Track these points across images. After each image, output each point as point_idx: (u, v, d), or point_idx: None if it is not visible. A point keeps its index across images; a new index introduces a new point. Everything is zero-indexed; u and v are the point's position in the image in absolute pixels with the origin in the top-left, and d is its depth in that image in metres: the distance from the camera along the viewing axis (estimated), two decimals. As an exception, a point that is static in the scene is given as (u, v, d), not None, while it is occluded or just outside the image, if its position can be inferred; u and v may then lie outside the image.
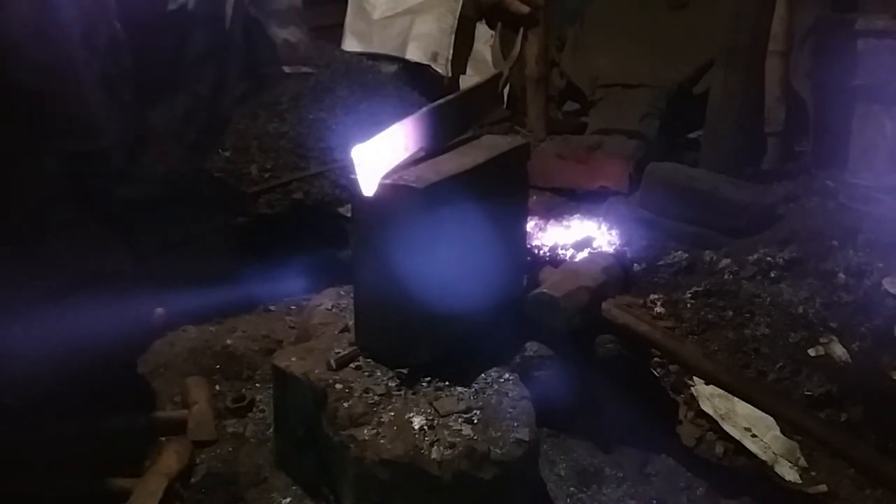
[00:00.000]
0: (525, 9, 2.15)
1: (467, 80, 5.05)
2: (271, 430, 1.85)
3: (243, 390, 2.01)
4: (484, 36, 5.36)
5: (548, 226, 3.07)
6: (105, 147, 1.98)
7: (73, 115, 1.83)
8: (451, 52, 4.95)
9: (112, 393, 1.90)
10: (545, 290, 1.81)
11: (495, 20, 2.28)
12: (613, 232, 3.03)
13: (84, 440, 1.76)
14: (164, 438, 1.81)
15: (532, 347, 1.79)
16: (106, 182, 2.12)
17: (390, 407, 1.53)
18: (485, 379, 1.64)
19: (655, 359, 2.15)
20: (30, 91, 1.72)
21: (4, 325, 1.70)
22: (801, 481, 1.92)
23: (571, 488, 1.74)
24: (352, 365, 1.64)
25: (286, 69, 2.47)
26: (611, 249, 2.88)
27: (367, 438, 1.47)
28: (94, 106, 1.86)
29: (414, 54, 4.79)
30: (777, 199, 3.26)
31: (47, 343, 1.75)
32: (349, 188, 1.59)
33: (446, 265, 1.60)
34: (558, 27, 4.87)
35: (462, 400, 1.55)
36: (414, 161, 1.66)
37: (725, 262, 2.79)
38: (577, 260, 2.16)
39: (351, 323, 1.76)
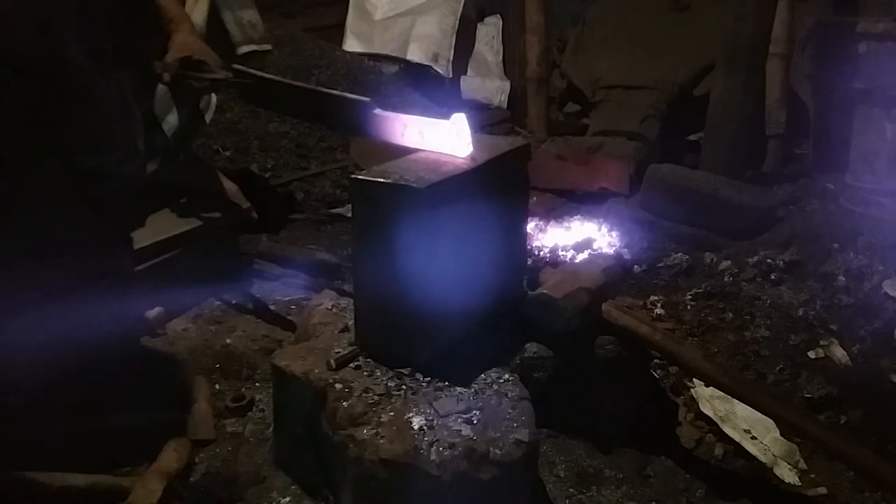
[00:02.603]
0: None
1: (468, 81, 5.08)
2: (271, 429, 1.86)
3: (243, 389, 2.02)
4: (485, 37, 5.38)
5: (548, 227, 3.07)
6: (123, 166, 2.00)
7: (96, 135, 1.86)
8: (452, 52, 4.95)
9: (112, 392, 1.89)
10: (545, 291, 1.80)
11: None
12: (614, 233, 3.03)
13: (84, 439, 1.76)
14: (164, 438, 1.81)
15: (532, 348, 1.78)
16: (105, 179, 2.12)
17: (390, 407, 1.52)
18: (484, 379, 1.63)
19: (655, 360, 2.15)
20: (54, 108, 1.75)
21: (5, 325, 1.70)
22: (800, 483, 1.92)
23: (571, 489, 1.73)
24: (351, 365, 1.64)
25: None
26: (611, 251, 2.88)
27: (366, 438, 1.47)
28: (113, 125, 1.89)
29: (415, 55, 4.80)
30: (777, 201, 3.26)
31: (47, 342, 1.75)
32: (350, 188, 1.59)
33: (446, 265, 1.60)
34: (559, 29, 4.87)
35: (462, 400, 1.55)
36: (413, 159, 1.66)
37: (725, 264, 2.79)
38: (577, 261, 2.16)
39: (351, 323, 1.76)
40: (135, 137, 2.00)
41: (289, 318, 2.32)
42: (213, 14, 2.67)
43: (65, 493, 1.63)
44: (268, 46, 2.84)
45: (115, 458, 1.73)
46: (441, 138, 1.66)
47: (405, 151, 1.72)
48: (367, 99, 1.76)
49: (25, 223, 1.86)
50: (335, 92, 1.91)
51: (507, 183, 1.81)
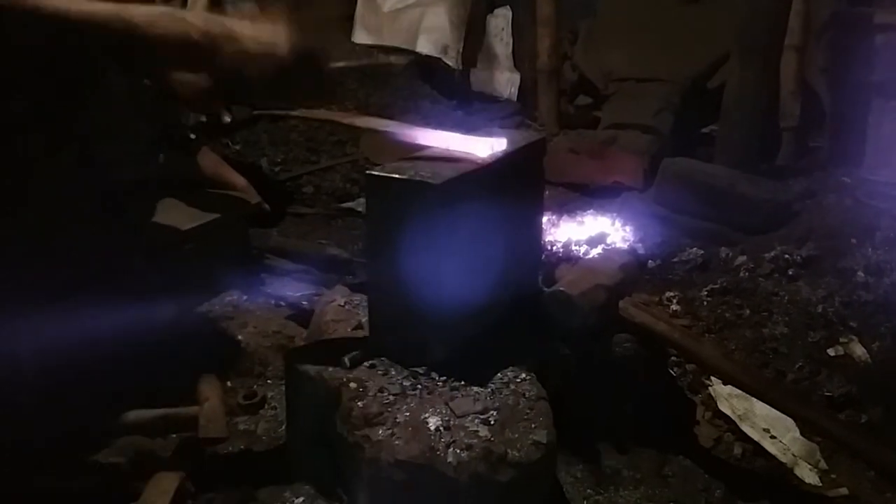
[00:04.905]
0: None
1: (478, 73, 5.05)
2: (283, 427, 1.83)
3: (255, 387, 2.00)
4: (495, 29, 5.34)
5: (561, 221, 3.03)
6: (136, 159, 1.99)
7: (112, 127, 1.84)
8: (462, 44, 4.92)
9: (123, 390, 1.88)
10: (561, 288, 1.78)
11: None
12: (628, 228, 2.99)
13: (94, 438, 1.74)
14: (175, 435, 1.79)
15: (548, 346, 1.75)
16: (117, 173, 2.10)
17: (405, 407, 1.50)
18: (501, 378, 1.60)
19: (672, 358, 2.12)
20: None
21: (14, 323, 1.68)
22: (820, 484, 1.89)
23: (588, 490, 1.71)
24: (366, 363, 1.61)
25: None
26: (625, 246, 2.85)
27: (381, 439, 1.44)
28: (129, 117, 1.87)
29: (424, 47, 4.76)
30: (793, 195, 3.22)
31: (57, 341, 1.73)
32: (365, 184, 1.56)
33: (462, 262, 1.57)
34: (571, 20, 4.82)
35: (478, 400, 1.52)
36: (429, 155, 1.63)
37: (741, 259, 2.75)
38: (593, 257, 2.13)
39: (364, 320, 1.74)
40: (149, 130, 1.98)
41: (301, 314, 2.29)
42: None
43: (78, 490, 1.62)
44: None
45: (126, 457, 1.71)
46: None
47: (418, 146, 1.69)
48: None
49: (35, 220, 1.84)
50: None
51: (522, 178, 1.78)
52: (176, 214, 2.33)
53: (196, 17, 1.40)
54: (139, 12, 1.36)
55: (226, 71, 1.43)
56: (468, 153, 1.61)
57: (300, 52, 1.43)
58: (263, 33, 1.41)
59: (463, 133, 1.69)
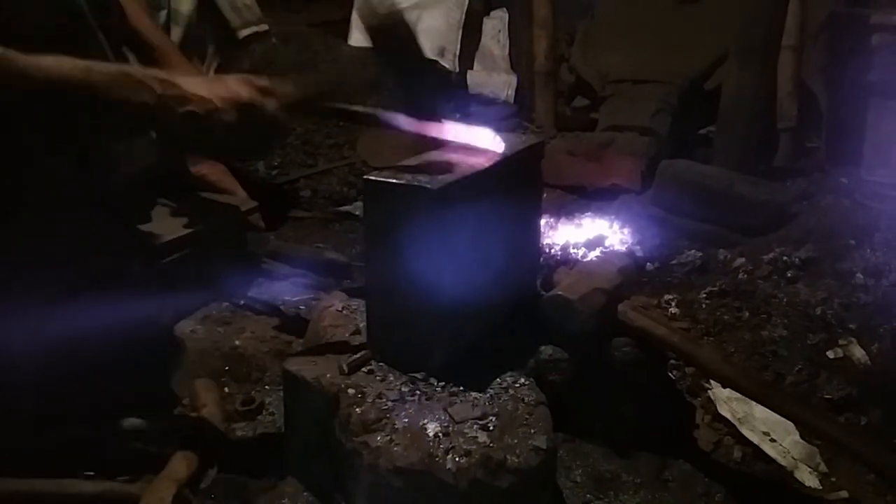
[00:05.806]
0: None
1: (474, 75, 5.04)
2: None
3: (252, 392, 1.99)
4: (491, 31, 5.33)
5: (558, 224, 3.03)
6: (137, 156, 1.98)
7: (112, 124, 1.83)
8: (459, 46, 4.91)
9: (119, 396, 1.86)
10: (560, 293, 1.77)
11: None
12: (626, 230, 2.98)
13: (92, 445, 1.73)
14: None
15: (547, 351, 1.74)
16: (113, 178, 2.09)
17: (404, 413, 1.49)
18: (500, 384, 1.59)
19: (671, 361, 2.11)
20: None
21: (11, 328, 1.67)
22: (821, 487, 1.88)
23: (588, 495, 1.70)
24: (364, 369, 1.60)
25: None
26: (623, 248, 2.84)
27: (380, 445, 1.43)
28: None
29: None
30: (791, 196, 3.21)
31: (54, 345, 1.72)
32: (363, 190, 1.56)
33: (460, 266, 1.57)
34: (568, 22, 4.82)
35: (477, 406, 1.51)
36: (427, 159, 1.62)
37: (740, 261, 2.75)
38: (591, 260, 2.12)
39: (362, 325, 1.73)
40: (150, 130, 1.96)
41: (298, 319, 2.28)
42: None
43: (73, 500, 1.61)
44: (266, 26, 2.85)
45: (123, 465, 1.70)
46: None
47: (415, 148, 1.69)
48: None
49: (32, 223, 1.83)
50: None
51: (521, 181, 1.78)
52: (174, 219, 2.32)
53: (152, 80, 1.40)
54: (101, 77, 1.38)
55: (177, 132, 1.45)
56: (468, 157, 1.60)
57: (247, 111, 1.43)
58: (208, 92, 1.42)
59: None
